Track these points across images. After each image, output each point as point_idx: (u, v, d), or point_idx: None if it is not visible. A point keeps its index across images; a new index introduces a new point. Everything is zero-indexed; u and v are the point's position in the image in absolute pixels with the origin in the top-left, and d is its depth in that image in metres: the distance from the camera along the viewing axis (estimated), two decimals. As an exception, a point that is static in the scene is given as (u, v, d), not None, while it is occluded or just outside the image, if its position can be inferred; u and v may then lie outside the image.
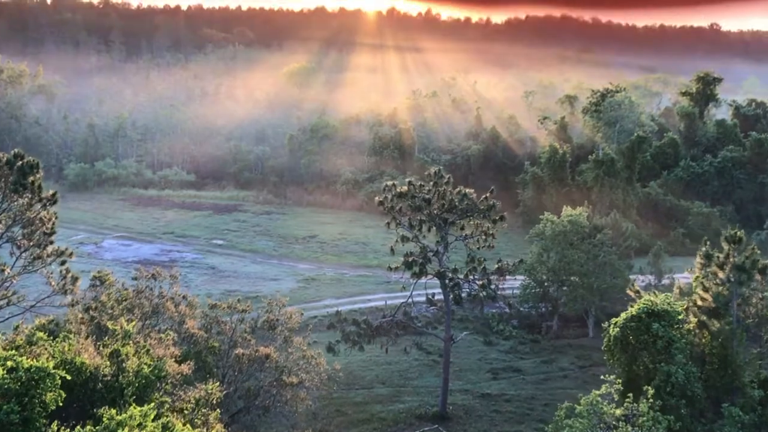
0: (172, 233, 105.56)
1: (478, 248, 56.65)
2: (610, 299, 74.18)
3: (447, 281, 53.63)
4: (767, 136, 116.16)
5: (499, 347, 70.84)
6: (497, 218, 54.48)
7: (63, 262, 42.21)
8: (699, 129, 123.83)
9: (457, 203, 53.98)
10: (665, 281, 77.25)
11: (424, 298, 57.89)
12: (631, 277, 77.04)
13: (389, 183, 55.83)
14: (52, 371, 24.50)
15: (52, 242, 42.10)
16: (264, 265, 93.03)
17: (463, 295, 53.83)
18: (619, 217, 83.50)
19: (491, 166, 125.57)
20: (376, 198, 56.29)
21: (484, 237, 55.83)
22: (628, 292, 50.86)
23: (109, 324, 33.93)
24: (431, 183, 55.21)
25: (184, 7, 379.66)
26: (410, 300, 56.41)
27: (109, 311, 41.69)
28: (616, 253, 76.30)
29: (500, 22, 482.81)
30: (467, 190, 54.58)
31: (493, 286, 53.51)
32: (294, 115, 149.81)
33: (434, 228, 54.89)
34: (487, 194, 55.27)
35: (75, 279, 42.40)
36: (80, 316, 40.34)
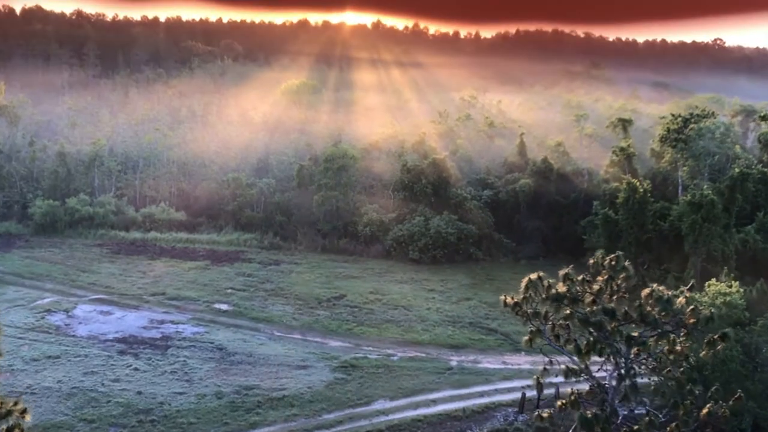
0: (163, 294, 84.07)
1: (655, 369, 37.13)
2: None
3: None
4: None
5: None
6: (716, 338, 34.46)
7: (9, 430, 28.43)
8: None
9: (655, 314, 33.61)
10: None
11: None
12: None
13: (533, 277, 35.31)
14: None
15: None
16: (285, 342, 71.92)
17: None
18: (765, 286, 63.37)
19: (542, 204, 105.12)
20: (510, 298, 35.74)
21: (671, 358, 35.95)
22: None
23: None
24: (603, 278, 35.08)
25: (162, 19, 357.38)
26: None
27: None
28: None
29: (489, 36, 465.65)
30: (668, 293, 34.27)
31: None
32: (300, 140, 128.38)
33: (606, 349, 34.62)
34: (684, 291, 35.14)
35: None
36: None
